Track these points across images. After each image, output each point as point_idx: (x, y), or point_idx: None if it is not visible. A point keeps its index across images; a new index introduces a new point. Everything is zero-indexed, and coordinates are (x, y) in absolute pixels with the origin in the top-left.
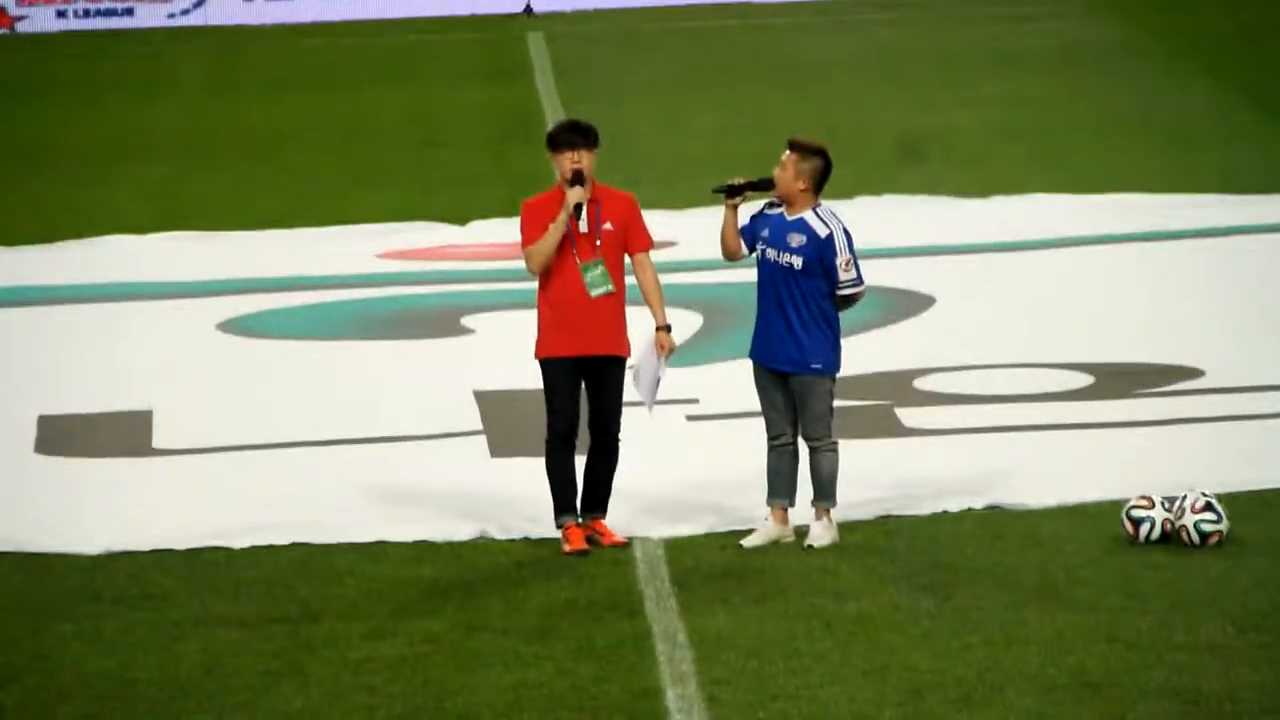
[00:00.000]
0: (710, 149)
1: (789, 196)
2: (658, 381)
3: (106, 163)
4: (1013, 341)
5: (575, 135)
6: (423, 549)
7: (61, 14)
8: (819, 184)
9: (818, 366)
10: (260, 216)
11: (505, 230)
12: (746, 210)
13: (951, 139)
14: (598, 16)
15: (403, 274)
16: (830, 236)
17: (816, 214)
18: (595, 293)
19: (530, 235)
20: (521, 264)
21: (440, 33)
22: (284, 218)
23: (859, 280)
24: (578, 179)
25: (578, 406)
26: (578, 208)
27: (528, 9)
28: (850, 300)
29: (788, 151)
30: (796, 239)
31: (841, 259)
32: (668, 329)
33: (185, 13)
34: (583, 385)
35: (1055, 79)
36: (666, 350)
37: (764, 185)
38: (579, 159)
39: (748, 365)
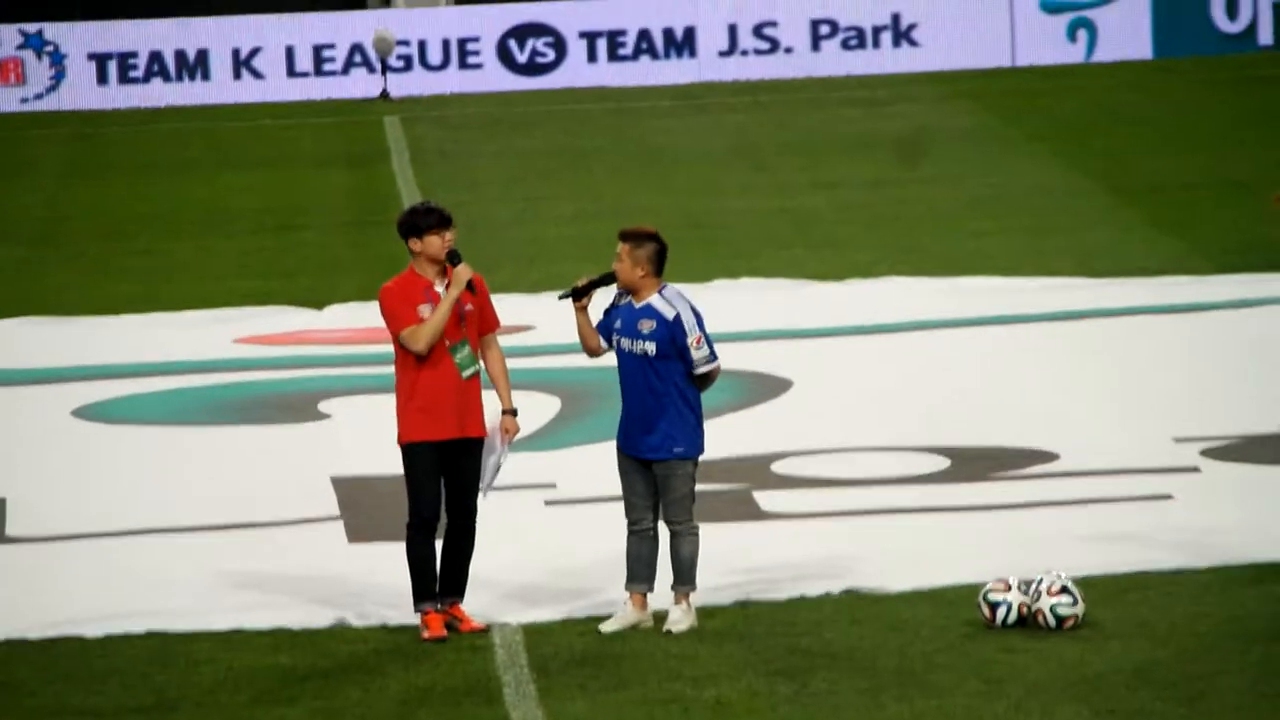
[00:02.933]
0: (568, 233)
1: (632, 286)
2: (498, 468)
3: None
4: (870, 425)
5: (444, 217)
6: (280, 637)
7: None
8: (658, 267)
9: (679, 450)
10: (116, 301)
11: (362, 314)
12: (601, 305)
13: (808, 223)
14: (454, 100)
15: (259, 359)
16: (678, 317)
17: (662, 297)
18: (467, 373)
19: (403, 317)
20: (378, 348)
21: (297, 117)
22: (140, 302)
23: (713, 357)
24: (456, 258)
25: (441, 491)
26: (470, 284)
27: (384, 93)
28: (708, 378)
29: (621, 243)
30: (647, 325)
31: (692, 338)
32: (514, 413)
33: (39, 96)
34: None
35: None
36: (512, 435)
37: (606, 280)
38: (449, 239)
39: (605, 449)
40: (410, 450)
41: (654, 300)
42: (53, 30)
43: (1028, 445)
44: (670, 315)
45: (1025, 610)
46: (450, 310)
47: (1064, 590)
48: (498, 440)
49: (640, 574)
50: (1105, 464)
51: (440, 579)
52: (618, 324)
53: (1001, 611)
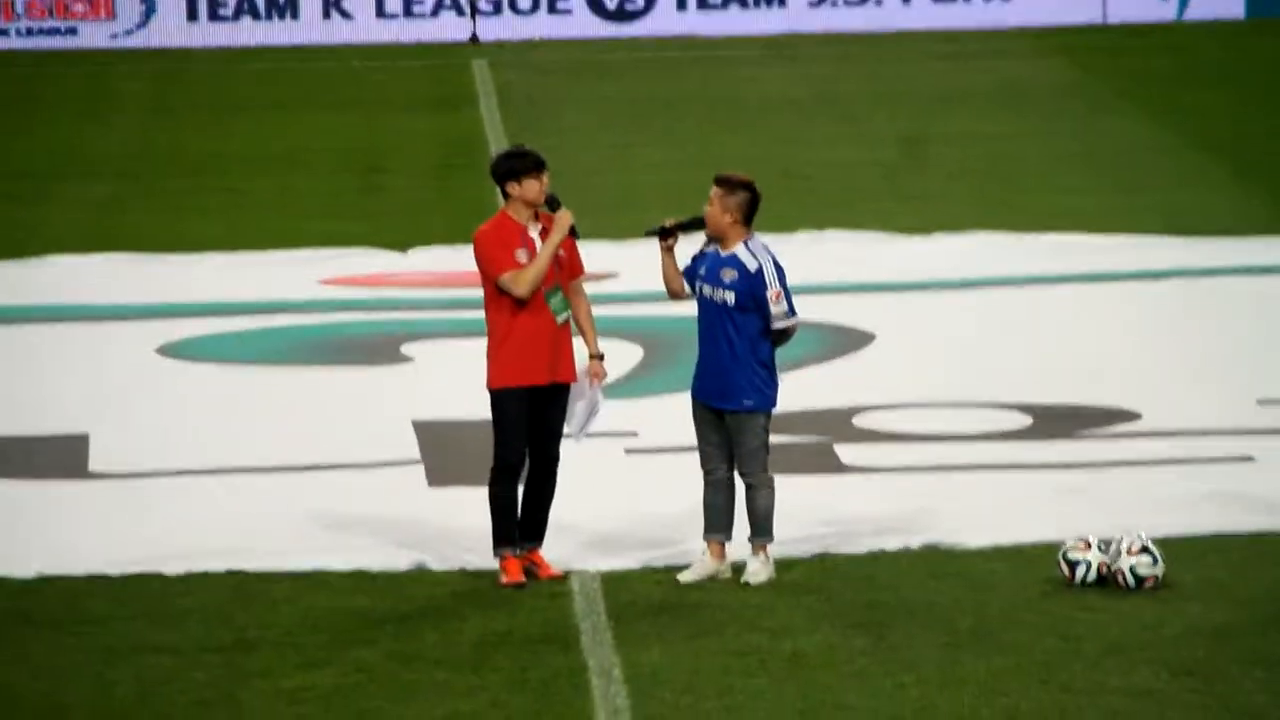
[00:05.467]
0: (654, 181)
1: (720, 232)
2: (594, 412)
3: (45, 182)
4: (952, 381)
5: (540, 161)
6: (359, 578)
7: (3, 32)
8: (748, 217)
9: (750, 403)
10: (201, 240)
11: (446, 258)
12: (690, 249)
13: (895, 176)
14: (543, 46)
15: (343, 300)
16: (760, 270)
17: (748, 248)
18: (561, 318)
19: (501, 260)
20: (462, 292)
21: (385, 59)
22: (225, 242)
23: (791, 313)
24: (555, 202)
25: (527, 437)
26: (573, 229)
27: (473, 37)
28: (784, 334)
29: (714, 187)
30: (729, 275)
31: (771, 292)
32: (601, 358)
33: (129, 33)
34: None
35: (999, 118)
36: (600, 379)
37: (695, 224)
38: (546, 183)
39: (687, 399)
40: (501, 395)
41: (739, 250)
42: None
43: (1110, 404)
44: (753, 267)
45: (1105, 569)
46: (552, 255)
47: (1144, 550)
48: (586, 385)
49: (717, 523)
50: (1187, 424)
51: (520, 524)
52: (702, 270)
53: (1081, 570)
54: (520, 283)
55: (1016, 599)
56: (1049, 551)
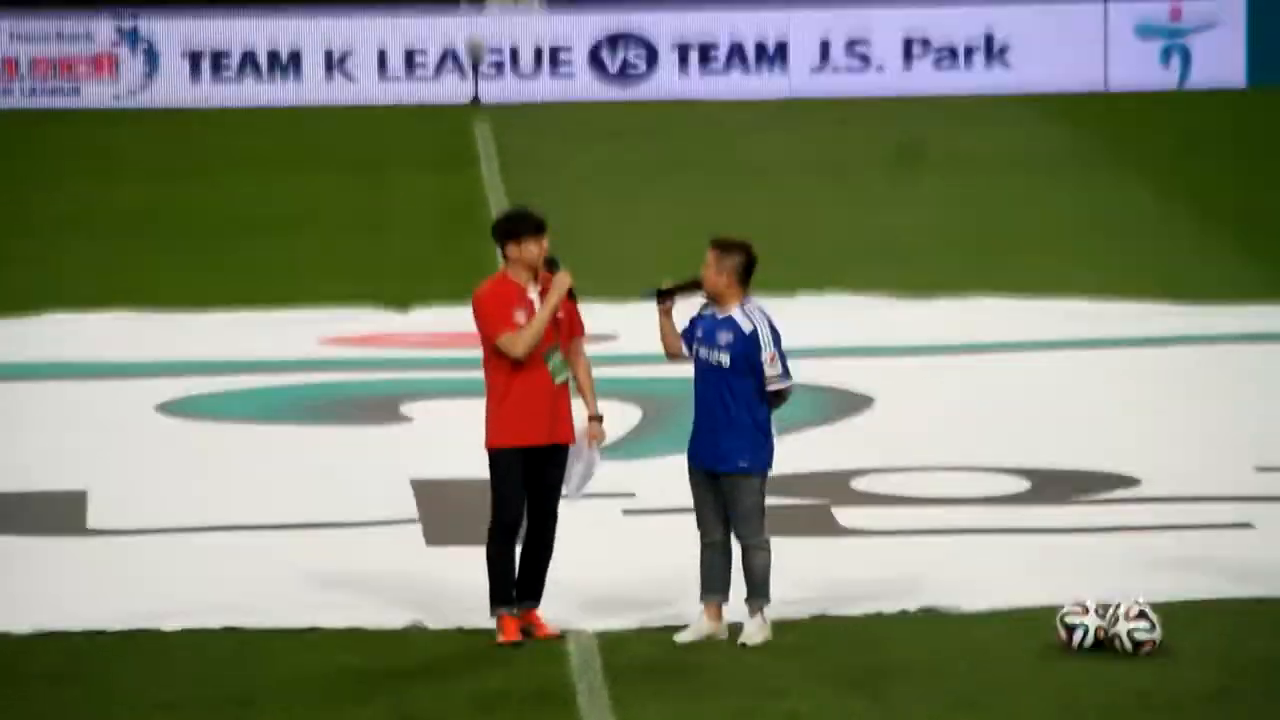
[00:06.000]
0: (655, 243)
1: (716, 294)
2: (590, 474)
3: (49, 239)
4: (951, 444)
5: (540, 222)
6: (355, 636)
7: (7, 92)
8: (744, 279)
9: (745, 465)
10: (204, 298)
11: (447, 317)
12: (689, 311)
13: (896, 239)
14: (545, 108)
15: (343, 360)
16: (755, 332)
17: (744, 311)
18: (560, 379)
19: (500, 321)
20: (462, 352)
21: (388, 121)
22: (227, 300)
23: (785, 376)
24: (554, 264)
25: (525, 497)
26: (571, 291)
27: (475, 99)
28: (779, 396)
29: (710, 250)
30: (725, 337)
31: (766, 354)
32: (600, 419)
33: (132, 93)
34: None
35: (1001, 182)
36: (599, 440)
37: (693, 287)
38: (545, 245)
39: (684, 460)
40: (499, 455)
41: (735, 312)
42: (147, 26)
43: (1109, 469)
44: (748, 330)
45: (1102, 634)
46: (550, 316)
47: (1141, 615)
48: (584, 446)
49: (714, 586)
50: (1186, 490)
51: (518, 584)
52: (699, 332)
53: (1079, 635)
54: (517, 344)
55: (1014, 663)
56: (1047, 615)
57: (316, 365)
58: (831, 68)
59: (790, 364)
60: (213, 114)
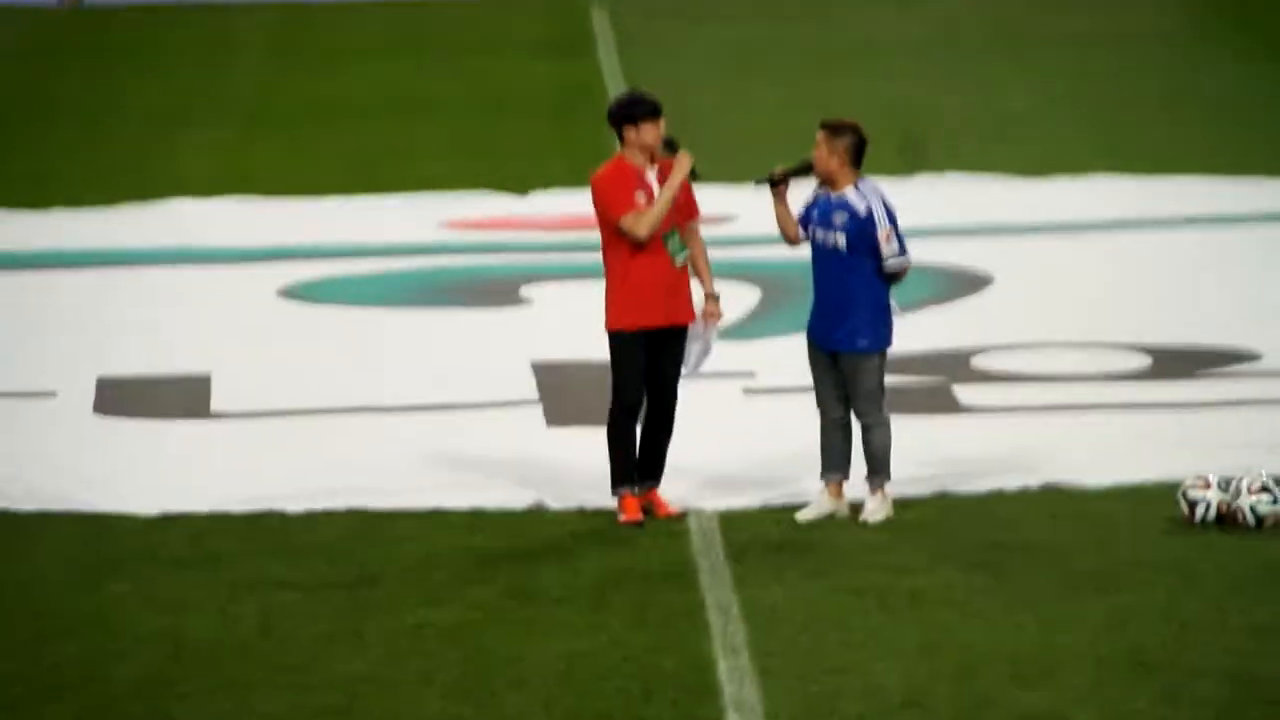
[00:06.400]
0: (772, 125)
1: (828, 176)
2: (706, 352)
3: (169, 128)
4: (1070, 322)
5: (656, 105)
6: (478, 517)
7: None
8: (856, 160)
9: (864, 344)
10: (323, 183)
11: (566, 200)
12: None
13: (1014, 118)
14: None
15: (463, 243)
16: (870, 211)
17: (858, 191)
18: (679, 260)
19: (621, 203)
20: (581, 235)
21: (505, 6)
22: (346, 185)
23: (902, 252)
24: (673, 145)
25: (644, 378)
26: (694, 171)
27: None
28: (896, 275)
29: (820, 132)
30: (839, 218)
31: (881, 232)
32: (717, 298)
33: None
34: None
35: (1114, 57)
36: (717, 319)
37: (804, 170)
38: (662, 127)
39: (804, 340)
40: (619, 337)
41: (849, 193)
42: None
43: (1230, 344)
44: (862, 209)
45: (1225, 508)
46: (673, 197)
47: (1264, 488)
48: (701, 325)
49: (834, 463)
50: None
51: (639, 464)
52: (814, 214)
53: (1201, 509)
54: (641, 224)
55: (1136, 538)
56: (1169, 491)
57: (435, 249)
58: None
59: (908, 243)
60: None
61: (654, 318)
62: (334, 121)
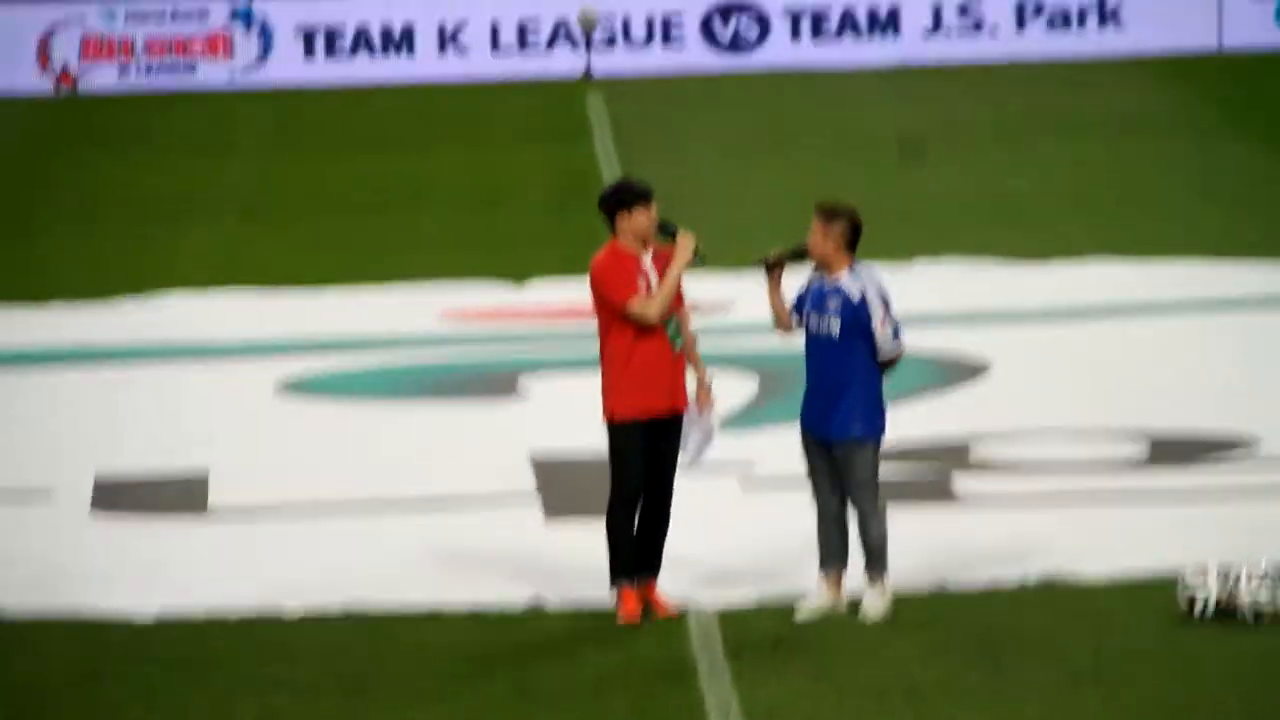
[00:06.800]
0: (769, 212)
1: (823, 260)
2: (709, 439)
3: (167, 219)
4: (1068, 409)
5: (647, 191)
6: (476, 615)
7: (124, 71)
8: (851, 244)
9: (858, 432)
10: (321, 275)
11: (563, 289)
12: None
13: (1012, 203)
14: (656, 78)
15: (461, 335)
16: (864, 298)
17: (852, 276)
18: (678, 345)
19: (627, 285)
20: (578, 325)
21: (501, 96)
22: (345, 276)
23: (897, 341)
24: (670, 227)
25: (644, 468)
26: (698, 252)
27: (587, 73)
28: (889, 362)
29: (815, 217)
30: (833, 303)
31: (876, 319)
32: (709, 386)
33: (247, 70)
34: None
35: (1115, 145)
36: (712, 406)
37: (799, 254)
38: (654, 213)
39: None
40: (622, 428)
41: (843, 278)
42: (261, 5)
43: (1227, 432)
44: (856, 294)
45: (1224, 601)
46: (679, 278)
47: (1264, 581)
48: (697, 412)
49: (832, 555)
50: None
51: (637, 555)
52: (808, 301)
53: (1200, 603)
54: (652, 308)
55: (1135, 632)
56: (1168, 583)
57: (434, 341)
58: (944, 33)
59: (903, 329)
60: (327, 90)
61: (658, 405)
62: (331, 213)
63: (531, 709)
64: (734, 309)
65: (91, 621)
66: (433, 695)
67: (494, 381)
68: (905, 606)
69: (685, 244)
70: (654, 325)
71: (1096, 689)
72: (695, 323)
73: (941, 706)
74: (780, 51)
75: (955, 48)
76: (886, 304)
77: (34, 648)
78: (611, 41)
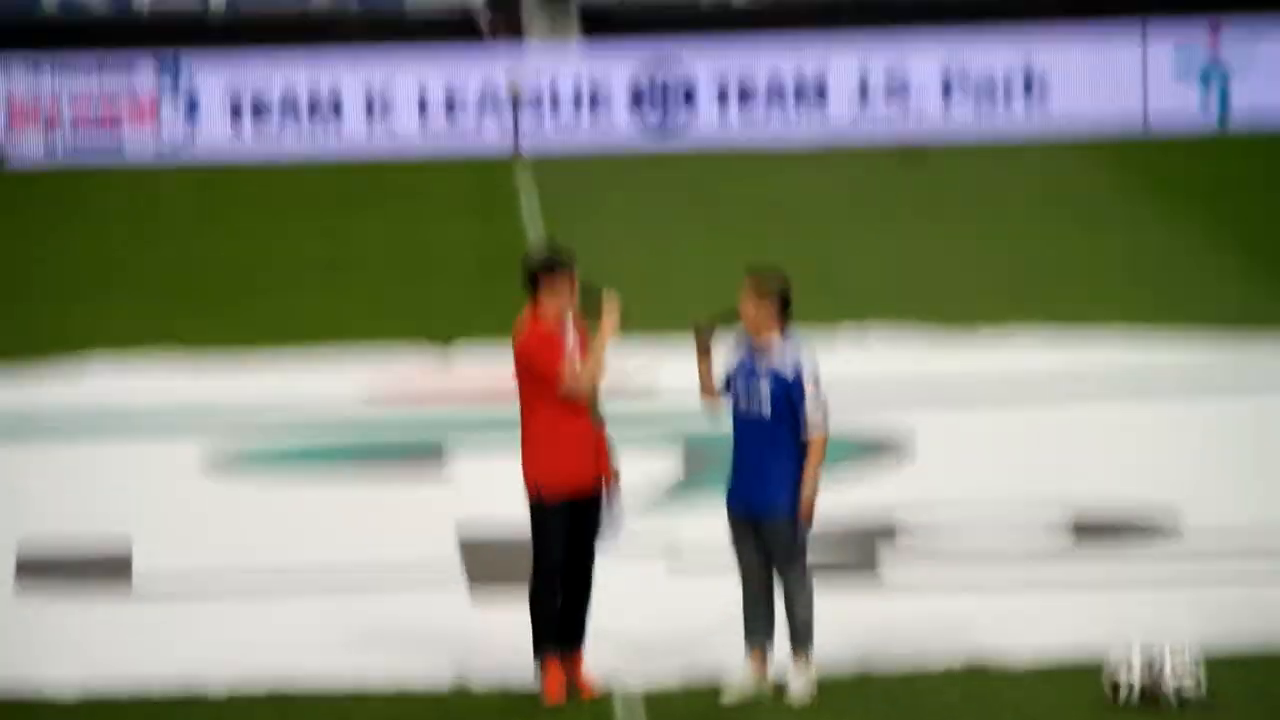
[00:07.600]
0: (697, 284)
1: (754, 329)
2: (619, 516)
3: (91, 290)
4: (991, 489)
5: (567, 260)
6: (401, 696)
7: (49, 149)
8: (782, 312)
9: (784, 510)
10: (248, 345)
11: (490, 364)
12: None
13: (935, 276)
14: (584, 154)
15: (387, 411)
16: (798, 378)
17: (784, 350)
18: (600, 420)
19: (556, 359)
20: (503, 402)
21: (427, 170)
22: (272, 346)
23: (823, 420)
24: (592, 292)
25: (566, 543)
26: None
27: (515, 148)
28: (813, 443)
29: (745, 287)
30: (765, 383)
31: (808, 400)
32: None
33: (172, 147)
34: None
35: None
36: (618, 481)
37: (729, 320)
38: (575, 281)
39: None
40: (543, 506)
41: (775, 352)
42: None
43: (1154, 514)
44: (790, 374)
45: (1149, 687)
46: (606, 344)
47: (1188, 667)
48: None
49: (757, 631)
50: (1232, 537)
51: (561, 628)
52: (734, 375)
53: (1124, 690)
54: (585, 378)
55: (1060, 717)
56: (1092, 667)
57: (360, 418)
58: (870, 112)
59: (829, 407)
60: (253, 163)
61: (579, 482)
62: (255, 285)
63: None
64: (659, 385)
65: (13, 702)
66: None
67: (419, 458)
68: (829, 688)
69: (612, 307)
70: (581, 399)
71: None
72: (619, 398)
73: None
74: (708, 128)
75: (881, 126)
76: (817, 383)
77: None
78: (539, 115)
